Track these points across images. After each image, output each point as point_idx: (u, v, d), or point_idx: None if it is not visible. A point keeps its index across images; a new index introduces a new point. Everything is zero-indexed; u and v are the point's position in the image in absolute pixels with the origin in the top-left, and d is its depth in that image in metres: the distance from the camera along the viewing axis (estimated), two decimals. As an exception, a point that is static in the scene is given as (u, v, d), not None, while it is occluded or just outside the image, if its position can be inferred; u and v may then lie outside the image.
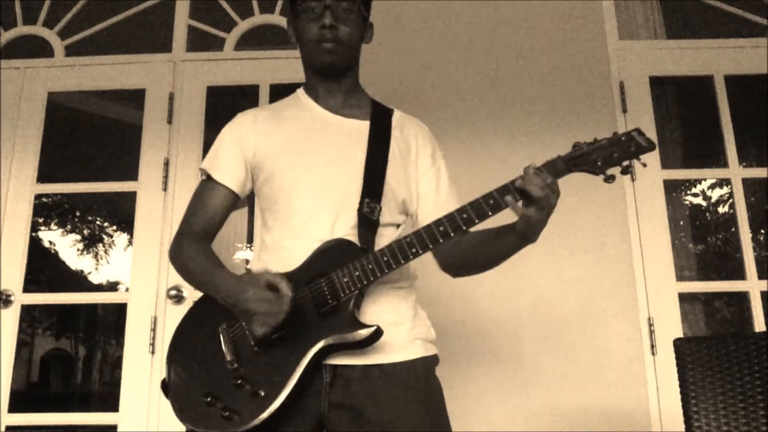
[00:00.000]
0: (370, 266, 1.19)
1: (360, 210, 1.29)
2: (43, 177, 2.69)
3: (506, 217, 1.21)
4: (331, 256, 1.23)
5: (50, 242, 16.21)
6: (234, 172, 1.37)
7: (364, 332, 1.17)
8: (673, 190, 2.95)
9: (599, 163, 1.16)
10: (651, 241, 2.44)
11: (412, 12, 2.71)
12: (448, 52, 2.66)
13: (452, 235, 1.18)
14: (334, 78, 1.39)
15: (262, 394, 1.13)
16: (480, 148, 2.54)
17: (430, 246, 1.19)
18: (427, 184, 1.41)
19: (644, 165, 1.17)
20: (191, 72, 2.72)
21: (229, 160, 1.38)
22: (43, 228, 14.61)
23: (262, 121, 1.41)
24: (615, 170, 1.17)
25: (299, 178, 1.32)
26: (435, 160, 1.44)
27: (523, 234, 1.18)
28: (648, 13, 2.85)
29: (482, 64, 2.64)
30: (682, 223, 3.08)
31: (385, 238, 1.30)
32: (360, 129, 1.38)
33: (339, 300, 1.19)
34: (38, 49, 2.85)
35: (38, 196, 2.72)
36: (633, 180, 2.50)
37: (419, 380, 1.26)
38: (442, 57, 2.65)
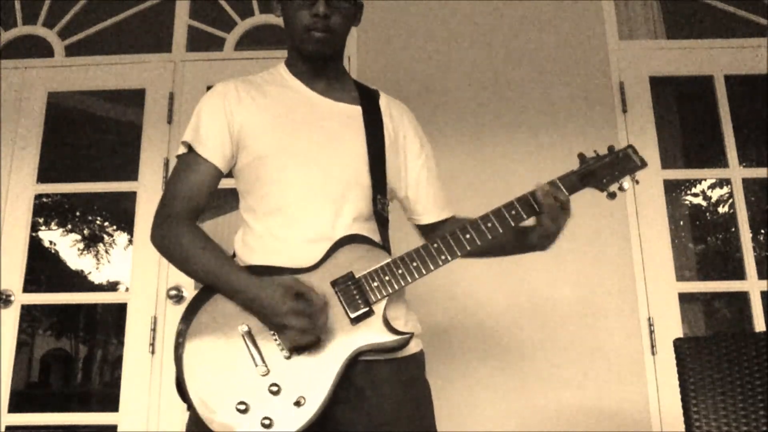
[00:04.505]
0: (400, 271, 1.20)
1: (375, 208, 1.28)
2: (43, 177, 2.68)
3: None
4: (353, 254, 1.21)
5: (50, 242, 16.22)
6: (219, 147, 1.28)
7: (399, 339, 1.18)
8: (673, 190, 2.95)
9: (604, 181, 1.29)
10: (651, 241, 2.44)
11: (411, 12, 2.71)
12: (447, 52, 2.66)
13: (478, 244, 1.22)
14: (320, 62, 1.35)
15: (304, 402, 1.11)
16: (480, 147, 2.54)
17: (459, 254, 1.22)
18: (417, 172, 1.40)
19: (637, 182, 1.30)
20: (191, 72, 2.71)
21: (215, 134, 1.28)
22: (43, 228, 14.61)
23: (245, 94, 1.32)
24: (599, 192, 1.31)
25: (290, 163, 1.26)
26: (423, 146, 1.43)
27: (533, 244, 1.28)
28: (648, 13, 2.84)
29: (482, 64, 2.64)
30: (682, 223, 3.08)
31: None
32: (352, 114, 1.34)
33: (370, 306, 1.18)
34: (38, 49, 2.84)
35: (38, 196, 2.72)
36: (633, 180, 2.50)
37: (419, 378, 1.28)
38: (442, 57, 2.65)
